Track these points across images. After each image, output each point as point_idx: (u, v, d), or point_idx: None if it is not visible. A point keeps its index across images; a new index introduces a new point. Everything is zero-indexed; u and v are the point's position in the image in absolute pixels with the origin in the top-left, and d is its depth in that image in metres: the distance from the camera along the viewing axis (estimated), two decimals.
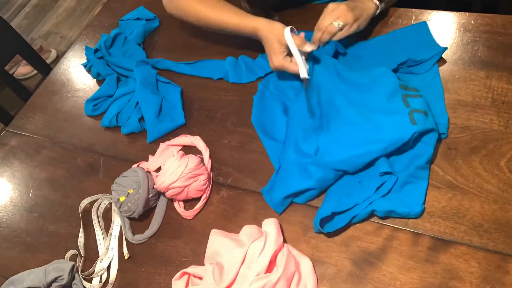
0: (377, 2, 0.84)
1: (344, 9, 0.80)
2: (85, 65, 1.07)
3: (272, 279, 0.61)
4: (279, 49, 0.79)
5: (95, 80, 1.04)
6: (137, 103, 0.93)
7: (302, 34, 0.80)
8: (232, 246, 0.67)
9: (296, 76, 0.80)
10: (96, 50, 1.04)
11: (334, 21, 0.80)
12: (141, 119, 0.92)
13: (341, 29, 0.81)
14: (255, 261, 0.64)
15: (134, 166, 0.84)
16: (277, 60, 0.80)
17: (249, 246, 0.65)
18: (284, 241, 0.68)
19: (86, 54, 1.06)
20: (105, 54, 1.03)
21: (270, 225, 0.68)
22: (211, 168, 0.81)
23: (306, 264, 0.66)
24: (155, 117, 0.89)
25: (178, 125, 0.89)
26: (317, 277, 0.65)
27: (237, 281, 0.64)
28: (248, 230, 0.69)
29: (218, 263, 0.66)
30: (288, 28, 0.77)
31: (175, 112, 0.90)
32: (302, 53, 0.77)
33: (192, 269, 0.68)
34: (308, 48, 0.77)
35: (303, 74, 0.77)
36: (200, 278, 0.68)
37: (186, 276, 0.68)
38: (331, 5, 0.82)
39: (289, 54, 0.79)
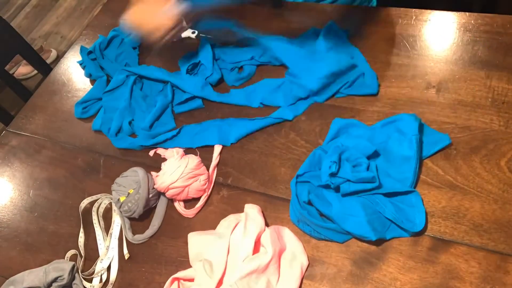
0: None
1: None
2: (80, 63, 1.07)
3: (264, 260, 0.62)
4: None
5: (94, 80, 1.04)
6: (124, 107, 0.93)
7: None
8: (213, 240, 0.67)
9: None
10: (90, 52, 1.04)
11: None
12: (131, 121, 0.91)
13: None
14: (241, 244, 0.65)
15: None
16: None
17: (230, 234, 0.66)
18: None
19: (80, 54, 1.06)
20: (98, 57, 1.04)
21: (250, 208, 0.70)
22: None
23: (287, 232, 0.68)
24: (146, 125, 0.88)
25: (170, 129, 0.88)
26: (301, 242, 0.67)
27: (228, 270, 0.64)
28: (224, 222, 0.71)
29: (205, 260, 0.66)
30: None
31: (165, 116, 0.90)
32: None
33: (181, 273, 0.68)
34: None
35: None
36: (191, 280, 0.68)
37: (176, 282, 0.68)
38: None
39: None
